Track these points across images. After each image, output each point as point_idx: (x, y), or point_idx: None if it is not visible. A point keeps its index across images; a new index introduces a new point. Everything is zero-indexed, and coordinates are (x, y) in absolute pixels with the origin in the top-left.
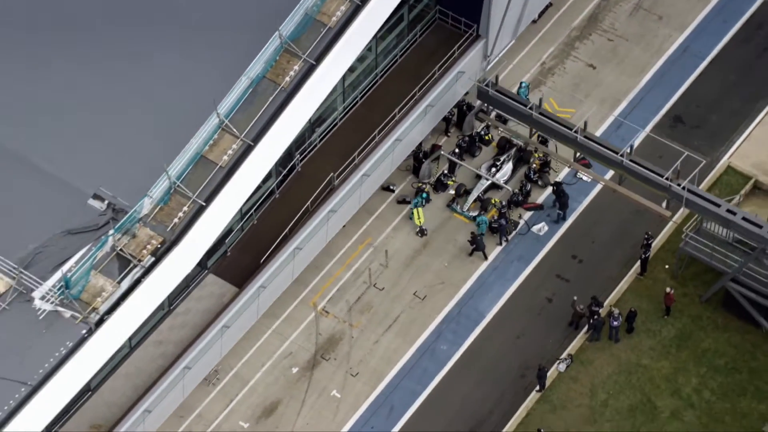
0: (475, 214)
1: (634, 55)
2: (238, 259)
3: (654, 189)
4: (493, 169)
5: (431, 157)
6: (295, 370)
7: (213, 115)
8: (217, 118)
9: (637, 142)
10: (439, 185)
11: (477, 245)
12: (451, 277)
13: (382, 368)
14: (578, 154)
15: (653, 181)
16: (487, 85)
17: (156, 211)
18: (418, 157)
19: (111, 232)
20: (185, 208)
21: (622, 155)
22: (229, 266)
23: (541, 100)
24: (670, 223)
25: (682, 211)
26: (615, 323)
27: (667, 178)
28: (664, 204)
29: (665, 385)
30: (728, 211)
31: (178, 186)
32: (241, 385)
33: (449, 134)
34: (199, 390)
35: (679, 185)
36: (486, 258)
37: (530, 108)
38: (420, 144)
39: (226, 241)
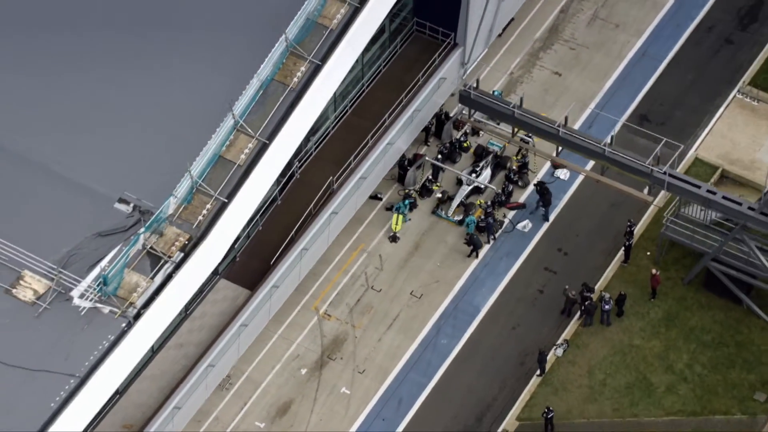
0: (459, 218)
1: (596, 61)
2: (247, 263)
3: (636, 176)
4: (473, 175)
5: (415, 164)
6: (303, 371)
7: (228, 117)
8: (232, 119)
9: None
10: (425, 191)
11: (475, 245)
12: (445, 276)
13: (387, 364)
14: (555, 154)
15: (635, 168)
16: (468, 89)
17: (181, 210)
18: (403, 165)
19: (141, 230)
20: (208, 206)
21: (603, 146)
22: (239, 271)
23: (521, 99)
24: (648, 212)
25: (663, 195)
26: (606, 307)
27: (648, 165)
28: (645, 190)
29: (658, 362)
30: (708, 191)
31: (201, 185)
32: (253, 387)
33: (429, 143)
34: (214, 395)
35: (660, 170)
36: (477, 257)
37: (512, 107)
38: (404, 153)
39: (235, 246)
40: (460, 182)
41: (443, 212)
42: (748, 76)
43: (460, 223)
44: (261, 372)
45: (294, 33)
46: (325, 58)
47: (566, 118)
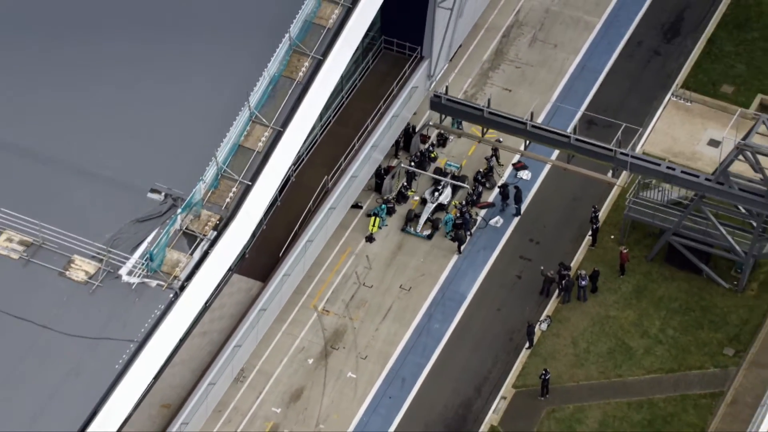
0: (428, 233)
1: (541, 76)
2: (256, 258)
3: (600, 161)
4: (436, 194)
5: (391, 173)
6: (310, 360)
7: (245, 110)
8: (248, 111)
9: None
10: (401, 197)
11: (459, 239)
12: (429, 270)
13: (387, 349)
14: (523, 148)
15: (600, 153)
16: (438, 96)
17: (209, 194)
18: (380, 174)
19: (179, 211)
20: (234, 189)
21: (568, 136)
22: (249, 265)
23: (489, 100)
24: (609, 199)
25: (624, 176)
26: (583, 283)
27: (612, 148)
28: (609, 174)
29: (634, 329)
30: (668, 167)
31: (225, 171)
32: (266, 378)
33: (398, 157)
34: (231, 387)
35: (623, 152)
36: (461, 251)
37: (482, 108)
38: (380, 164)
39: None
40: (424, 201)
41: (412, 229)
42: (679, 80)
43: (429, 237)
44: (271, 364)
45: (296, 33)
46: (325, 54)
47: (532, 114)
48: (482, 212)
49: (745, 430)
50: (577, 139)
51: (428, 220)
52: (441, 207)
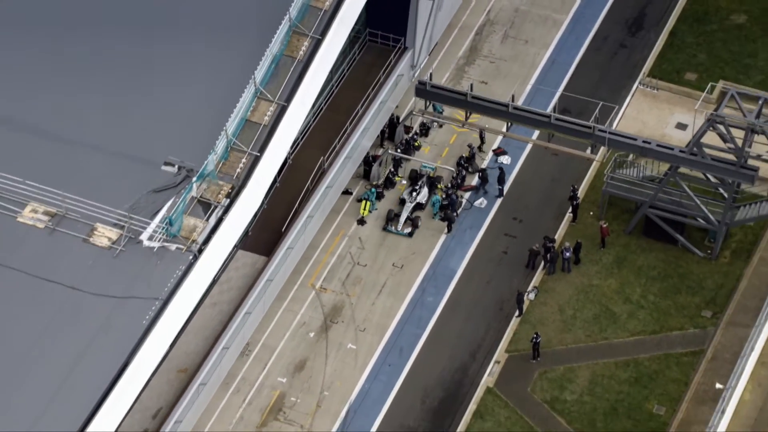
0: (408, 230)
1: (514, 70)
2: (259, 235)
3: (579, 138)
4: (414, 194)
5: (378, 160)
6: (312, 334)
7: (250, 87)
8: (254, 88)
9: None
10: (389, 183)
11: (449, 219)
12: (420, 248)
13: (384, 321)
14: (506, 129)
15: (579, 131)
16: (423, 83)
17: (220, 165)
18: (368, 162)
19: (194, 180)
20: (243, 160)
21: (549, 116)
22: (253, 242)
23: (471, 85)
24: (586, 179)
25: (603, 151)
26: (567, 254)
27: (591, 125)
28: (588, 151)
29: (617, 296)
30: (644, 141)
31: (235, 143)
32: (270, 352)
33: (384, 146)
34: (238, 361)
35: (601, 129)
36: (450, 231)
37: (465, 93)
38: (368, 152)
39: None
40: (403, 201)
41: (393, 228)
42: (645, 69)
43: (410, 235)
44: (274, 338)
45: (295, 15)
46: (323, 33)
47: (513, 96)
48: (466, 195)
49: (725, 383)
50: (557, 118)
51: (408, 218)
52: (419, 206)
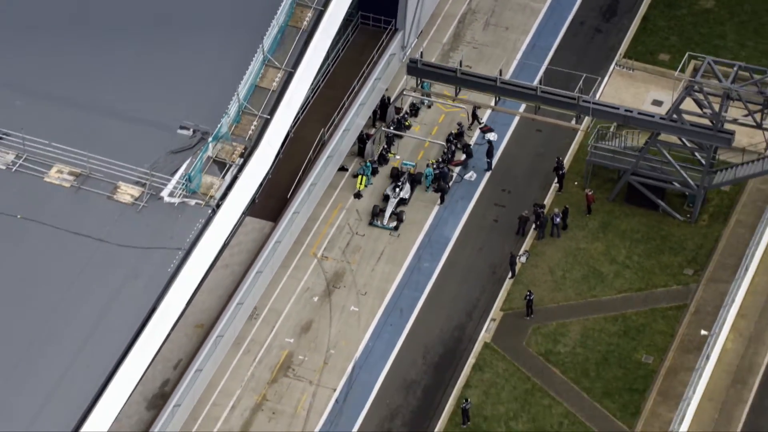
0: (393, 224)
1: (497, 54)
2: (265, 203)
3: (564, 110)
4: (397, 190)
5: (372, 137)
6: (316, 298)
7: (258, 55)
8: (262, 56)
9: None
10: (382, 159)
11: (442, 190)
12: (414, 218)
13: (384, 286)
14: (494, 103)
15: (564, 102)
16: (414, 61)
17: (233, 128)
18: (362, 139)
19: (209, 140)
20: (254, 123)
21: (535, 88)
22: (260, 209)
23: (461, 62)
24: (569, 152)
25: (587, 121)
26: (557, 219)
27: (574, 97)
28: (572, 121)
29: (603, 258)
30: (626, 110)
31: (246, 107)
32: (277, 315)
33: (376, 126)
34: (247, 324)
35: (585, 99)
36: (443, 202)
37: (455, 69)
38: (362, 130)
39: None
40: (387, 198)
41: (378, 222)
42: (621, 51)
43: (395, 229)
44: (280, 303)
45: None
46: (326, 5)
47: (501, 71)
48: (456, 169)
49: (708, 332)
50: (543, 91)
51: (393, 213)
52: (402, 201)
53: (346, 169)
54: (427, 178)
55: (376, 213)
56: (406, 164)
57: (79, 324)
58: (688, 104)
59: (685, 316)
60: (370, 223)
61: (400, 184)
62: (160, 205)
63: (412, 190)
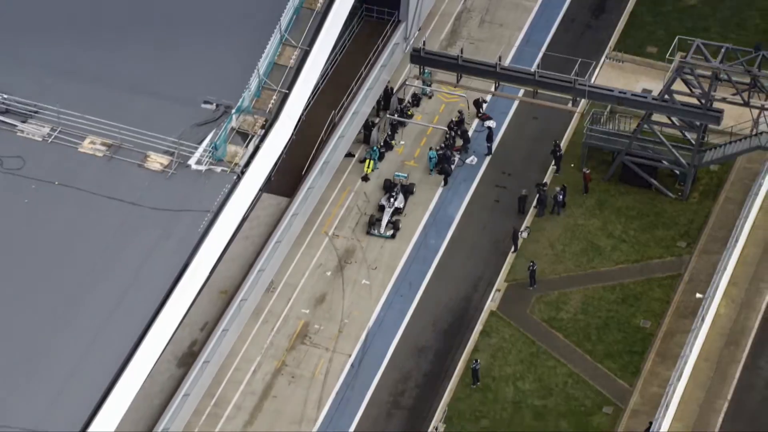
0: (390, 233)
1: (493, 49)
2: (281, 180)
3: (561, 93)
4: (392, 200)
5: (377, 125)
6: (329, 273)
7: (275, 35)
8: (279, 35)
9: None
10: (387, 146)
11: (446, 172)
12: (420, 200)
13: (393, 261)
14: (494, 89)
15: (561, 86)
16: (417, 50)
17: (254, 101)
18: (368, 126)
19: (233, 112)
20: (274, 97)
21: (533, 73)
22: (276, 185)
23: (462, 50)
24: (565, 137)
25: (583, 104)
26: (560, 197)
27: (570, 80)
28: (569, 104)
29: (600, 232)
30: (620, 92)
31: (266, 82)
32: (292, 288)
33: (380, 115)
34: (264, 297)
35: (581, 82)
36: (446, 184)
37: (456, 57)
38: (367, 118)
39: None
40: (382, 208)
41: (376, 231)
42: (611, 45)
43: (392, 237)
44: (295, 277)
45: None
46: None
47: (500, 58)
48: (457, 154)
49: (703, 295)
50: (540, 75)
51: (389, 222)
52: (397, 211)
53: (353, 155)
54: (431, 160)
55: (373, 222)
56: (398, 176)
57: (116, 280)
58: (679, 87)
59: (680, 285)
60: (368, 232)
61: (394, 194)
62: (188, 173)
63: (406, 200)
